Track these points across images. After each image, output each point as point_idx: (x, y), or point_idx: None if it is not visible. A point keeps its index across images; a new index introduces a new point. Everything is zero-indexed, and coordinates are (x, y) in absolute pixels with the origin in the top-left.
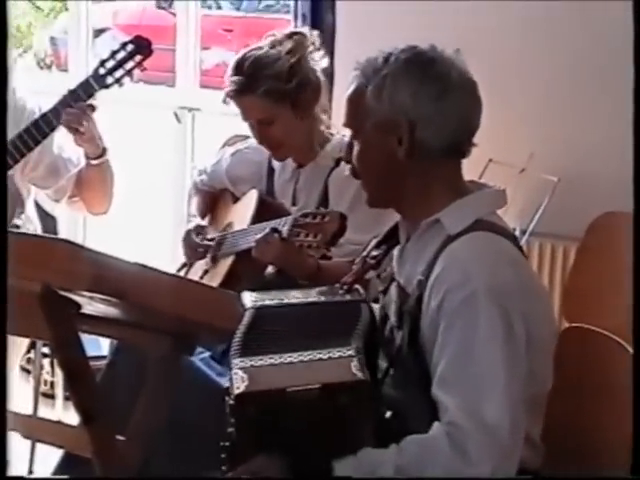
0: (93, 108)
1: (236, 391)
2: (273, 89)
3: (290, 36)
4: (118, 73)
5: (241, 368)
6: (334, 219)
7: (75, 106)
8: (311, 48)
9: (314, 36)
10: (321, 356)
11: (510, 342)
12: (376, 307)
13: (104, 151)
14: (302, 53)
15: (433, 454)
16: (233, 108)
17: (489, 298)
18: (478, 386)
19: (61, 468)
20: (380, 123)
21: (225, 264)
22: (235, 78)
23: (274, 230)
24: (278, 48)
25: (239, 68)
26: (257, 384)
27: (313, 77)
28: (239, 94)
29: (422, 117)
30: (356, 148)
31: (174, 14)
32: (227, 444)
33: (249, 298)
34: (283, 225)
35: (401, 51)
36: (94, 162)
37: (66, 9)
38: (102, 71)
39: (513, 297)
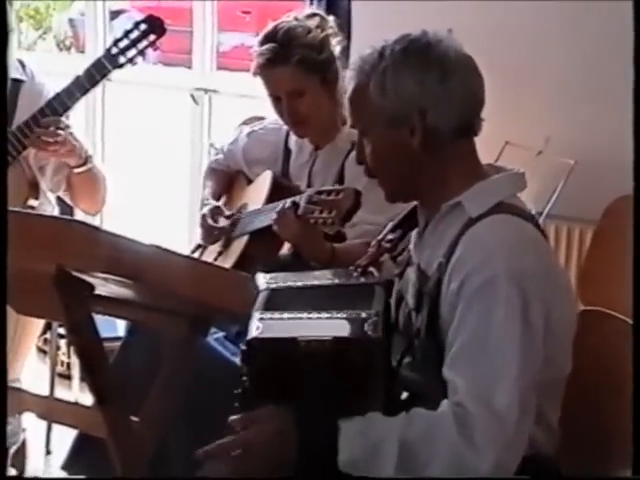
0: (67, 126)
1: (249, 337)
2: (306, 58)
3: (311, 16)
4: (131, 53)
5: (259, 319)
6: (348, 195)
7: (43, 124)
8: (330, 31)
9: (331, 20)
10: (338, 315)
11: (526, 328)
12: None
13: (87, 159)
14: (327, 31)
15: (439, 433)
16: (250, 90)
17: (509, 281)
18: (490, 371)
19: (76, 449)
20: (390, 118)
21: (239, 245)
22: (269, 45)
23: (293, 203)
24: (307, 22)
25: (271, 38)
26: (270, 332)
27: (334, 56)
28: (272, 63)
29: (431, 103)
30: (368, 147)
31: None
32: (239, 391)
33: (263, 280)
34: (298, 202)
35: (395, 42)
36: (77, 170)
37: None
38: (115, 51)
39: (533, 281)
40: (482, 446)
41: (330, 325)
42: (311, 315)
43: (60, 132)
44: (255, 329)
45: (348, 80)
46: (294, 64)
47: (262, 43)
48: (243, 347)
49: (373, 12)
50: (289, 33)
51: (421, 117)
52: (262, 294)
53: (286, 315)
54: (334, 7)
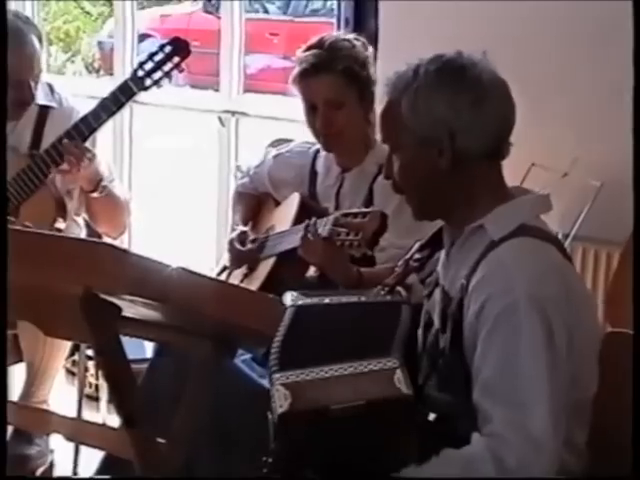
0: (93, 154)
1: (279, 410)
2: (350, 69)
3: (355, 37)
4: (156, 75)
5: (283, 384)
6: (375, 217)
7: (66, 148)
8: (369, 54)
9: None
10: (362, 368)
11: (551, 352)
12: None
13: (100, 182)
14: (367, 53)
15: (475, 471)
16: (277, 112)
17: (531, 307)
18: (522, 398)
19: (102, 470)
20: (419, 137)
21: (266, 266)
22: (315, 52)
23: (313, 226)
24: (352, 39)
25: (317, 46)
26: (300, 402)
27: (371, 79)
28: (316, 70)
29: (461, 126)
30: (396, 164)
31: (220, 18)
32: (269, 460)
33: (290, 297)
34: (325, 225)
35: (429, 62)
36: (94, 195)
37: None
38: (141, 73)
39: (555, 305)
40: (519, 471)
41: (359, 383)
42: (335, 369)
43: (72, 157)
44: (283, 398)
45: (382, 96)
46: (338, 72)
47: (306, 51)
48: (274, 420)
49: (400, 34)
50: (336, 44)
51: (450, 139)
52: (289, 311)
53: (309, 374)
54: (361, 26)
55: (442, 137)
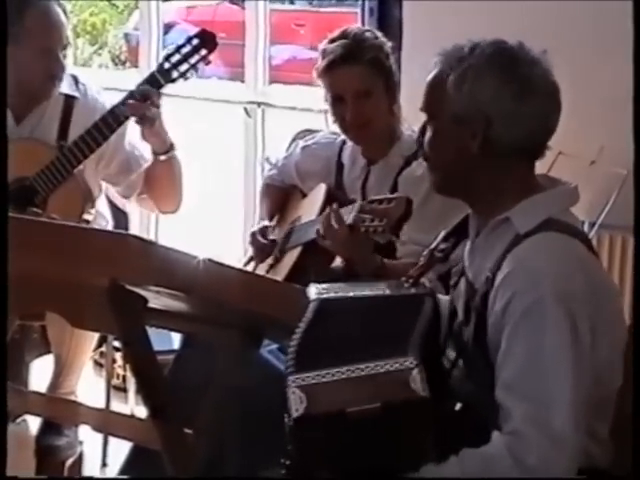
0: (159, 96)
1: (295, 414)
2: (377, 59)
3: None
4: (183, 67)
5: (298, 387)
6: (400, 203)
7: (140, 93)
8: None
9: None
10: (379, 369)
11: (576, 349)
12: (445, 298)
13: (171, 146)
14: (389, 44)
15: (494, 470)
16: (303, 103)
17: (556, 304)
18: (544, 394)
19: (131, 461)
20: (456, 114)
21: (292, 256)
22: (341, 42)
23: (337, 214)
24: (373, 32)
25: (343, 38)
26: (316, 406)
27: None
28: (343, 61)
29: (499, 115)
30: (428, 133)
31: (245, 9)
32: (287, 462)
33: (314, 290)
34: (350, 212)
35: (488, 44)
36: (162, 158)
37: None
38: (167, 65)
39: (580, 302)
40: (539, 470)
41: (375, 384)
42: (352, 369)
43: (153, 108)
44: (299, 401)
45: (433, 64)
46: (365, 63)
47: (331, 43)
48: (290, 423)
49: (424, 24)
50: (360, 35)
51: (486, 125)
52: (312, 304)
53: (325, 376)
54: (385, 17)
55: (478, 120)
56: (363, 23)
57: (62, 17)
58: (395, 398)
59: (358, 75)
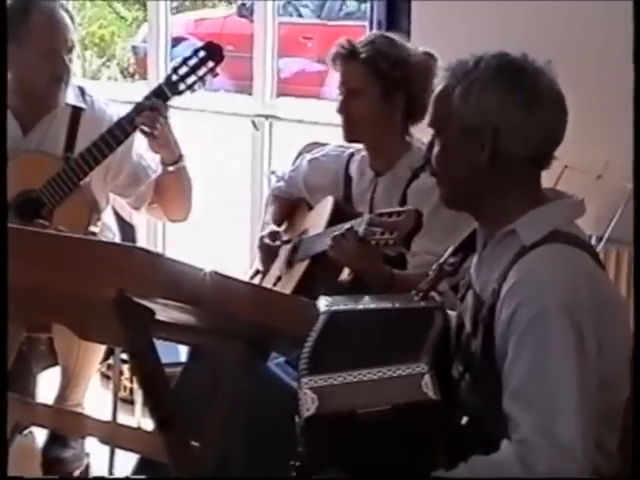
0: (166, 108)
1: (306, 413)
2: (373, 61)
3: (426, 52)
4: (190, 79)
5: (310, 388)
6: (410, 216)
7: (148, 105)
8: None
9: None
10: (391, 373)
11: (582, 359)
12: (452, 314)
13: (180, 157)
14: (420, 63)
15: (503, 475)
16: (311, 116)
17: (561, 314)
18: (551, 404)
19: (137, 473)
20: (464, 127)
21: (300, 268)
22: (352, 40)
23: (350, 229)
24: (404, 42)
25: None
26: (327, 406)
27: (418, 89)
28: (341, 56)
29: (506, 125)
30: (436, 147)
31: (254, 22)
32: (297, 463)
33: (323, 303)
34: (360, 225)
35: (493, 57)
36: (170, 168)
37: (145, 20)
38: (174, 78)
39: (586, 312)
40: (549, 477)
41: (387, 387)
42: (363, 373)
43: (162, 119)
44: (310, 402)
45: (439, 79)
46: (360, 61)
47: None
48: (301, 423)
49: (433, 37)
50: (371, 37)
51: (494, 136)
52: (322, 317)
53: (337, 379)
54: (394, 29)
55: (485, 132)
56: None
57: (67, 20)
58: (406, 401)
59: (350, 72)
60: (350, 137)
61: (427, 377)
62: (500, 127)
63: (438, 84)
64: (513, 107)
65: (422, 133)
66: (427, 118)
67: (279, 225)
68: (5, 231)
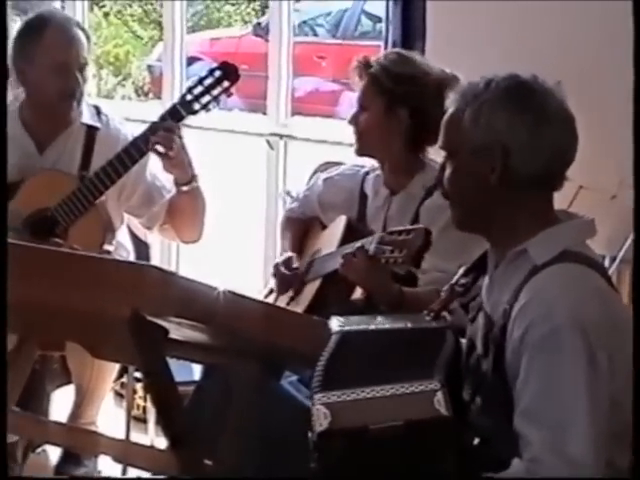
0: (179, 128)
1: (319, 428)
2: (376, 79)
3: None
4: (205, 99)
5: (323, 404)
6: (419, 234)
7: (162, 126)
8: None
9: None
10: (404, 390)
11: (594, 377)
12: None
13: (194, 177)
14: (433, 80)
15: None
16: (325, 135)
17: (573, 333)
18: (562, 423)
19: None
20: (474, 147)
21: (312, 288)
22: (360, 56)
23: (361, 247)
24: (418, 59)
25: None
26: (340, 421)
27: (427, 106)
28: (354, 72)
29: (516, 145)
30: (448, 170)
31: (269, 41)
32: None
33: (336, 323)
34: (370, 243)
35: (502, 79)
36: (184, 189)
37: (161, 39)
38: (189, 97)
39: (597, 332)
40: None
41: (399, 403)
42: (376, 390)
43: (176, 139)
44: (323, 417)
45: (450, 102)
46: (367, 76)
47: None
48: (314, 439)
49: (448, 57)
50: (385, 53)
51: (504, 156)
52: (334, 337)
53: (350, 395)
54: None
55: (496, 153)
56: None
57: (82, 37)
58: (418, 417)
59: (361, 87)
60: (359, 151)
61: (440, 394)
62: (510, 147)
63: (449, 107)
64: (522, 127)
65: (436, 154)
66: (439, 140)
67: (295, 249)
68: (5, 240)
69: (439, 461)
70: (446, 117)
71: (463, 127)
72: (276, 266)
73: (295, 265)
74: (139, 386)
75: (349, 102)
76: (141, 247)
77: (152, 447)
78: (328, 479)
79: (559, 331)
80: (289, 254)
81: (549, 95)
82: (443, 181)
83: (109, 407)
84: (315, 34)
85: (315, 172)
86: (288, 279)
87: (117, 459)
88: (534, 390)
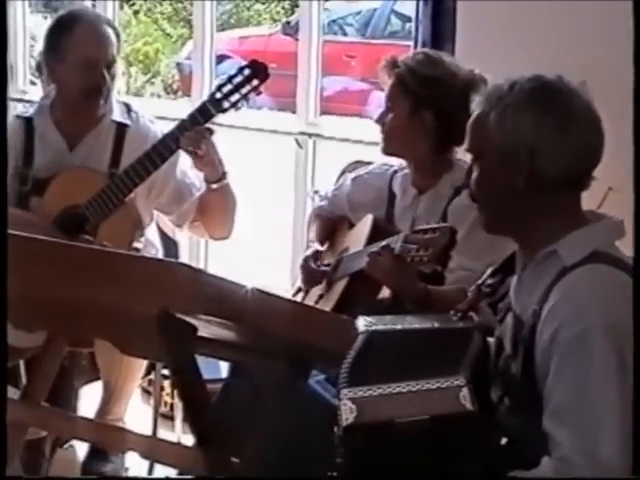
0: (211, 131)
1: (345, 422)
2: (402, 79)
3: (471, 71)
4: (234, 97)
5: (350, 399)
6: (444, 233)
7: (193, 129)
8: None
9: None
10: (429, 386)
11: (624, 379)
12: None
13: (224, 175)
14: (460, 82)
15: None
16: (354, 134)
17: (603, 334)
18: (593, 423)
19: None
20: (500, 150)
21: (339, 287)
22: (389, 56)
23: (386, 246)
24: (446, 60)
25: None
26: (365, 415)
27: (453, 107)
28: (382, 71)
29: (542, 147)
30: (475, 173)
31: (298, 40)
32: (335, 474)
33: (362, 322)
34: (396, 242)
35: (527, 80)
36: (214, 186)
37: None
38: (219, 95)
39: (627, 332)
40: None
41: (425, 399)
42: (402, 386)
43: (206, 137)
44: (349, 412)
45: (474, 105)
46: (393, 79)
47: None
48: (339, 433)
49: (478, 58)
50: (413, 54)
51: (530, 158)
52: (360, 336)
53: (376, 390)
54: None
55: (522, 155)
56: None
57: (111, 34)
58: (444, 412)
59: (388, 88)
60: (385, 150)
61: (465, 389)
62: (536, 148)
63: (474, 110)
64: (548, 128)
65: (464, 153)
66: (465, 143)
67: (322, 244)
68: (5, 235)
69: (465, 456)
70: (471, 120)
71: (488, 130)
72: (304, 259)
73: (326, 262)
74: (167, 383)
75: (378, 101)
76: (170, 245)
77: (179, 444)
78: (354, 473)
79: (590, 332)
80: (317, 247)
81: (575, 95)
82: (470, 184)
83: (137, 404)
84: (344, 33)
85: (343, 172)
86: (315, 273)
87: (144, 455)
88: (564, 390)
